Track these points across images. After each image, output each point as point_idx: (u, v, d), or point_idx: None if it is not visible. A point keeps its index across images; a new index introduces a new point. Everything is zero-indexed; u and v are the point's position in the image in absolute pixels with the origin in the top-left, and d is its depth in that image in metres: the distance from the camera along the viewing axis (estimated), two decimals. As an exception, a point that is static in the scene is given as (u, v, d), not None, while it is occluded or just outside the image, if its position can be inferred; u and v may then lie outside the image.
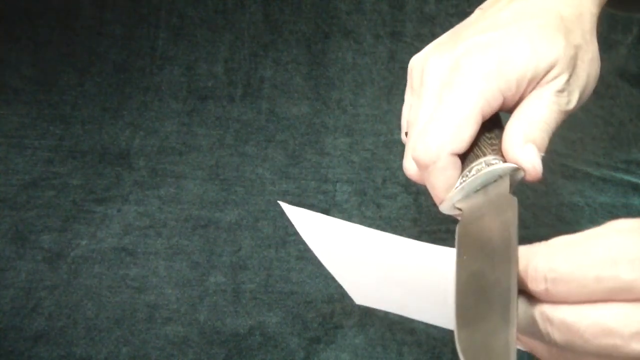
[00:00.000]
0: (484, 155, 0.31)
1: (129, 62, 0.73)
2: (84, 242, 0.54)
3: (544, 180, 0.61)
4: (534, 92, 0.31)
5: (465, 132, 0.30)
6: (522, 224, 0.56)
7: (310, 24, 0.75)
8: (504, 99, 0.31)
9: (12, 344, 0.46)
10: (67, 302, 0.50)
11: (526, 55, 0.31)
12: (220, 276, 0.52)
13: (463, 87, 0.30)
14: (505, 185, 0.30)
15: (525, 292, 0.24)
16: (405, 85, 0.38)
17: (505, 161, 0.30)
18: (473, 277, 0.26)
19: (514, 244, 0.25)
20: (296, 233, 0.55)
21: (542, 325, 0.23)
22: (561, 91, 0.32)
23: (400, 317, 0.49)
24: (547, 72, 0.31)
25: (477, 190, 0.31)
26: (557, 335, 0.23)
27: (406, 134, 0.36)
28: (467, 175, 0.31)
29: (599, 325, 0.22)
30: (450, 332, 0.48)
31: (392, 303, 0.42)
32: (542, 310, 0.23)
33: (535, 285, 0.23)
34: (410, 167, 0.34)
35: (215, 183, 0.61)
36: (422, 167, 0.31)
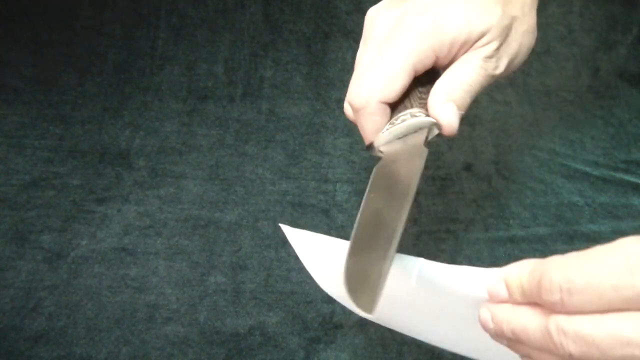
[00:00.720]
0: (412, 107, 0.34)
1: (129, 62, 0.73)
2: (84, 242, 0.54)
3: (544, 180, 0.61)
4: (465, 55, 0.34)
5: (395, 84, 0.33)
6: (521, 224, 0.57)
7: (310, 24, 0.75)
8: (437, 58, 0.34)
9: (12, 344, 0.46)
10: (67, 302, 0.50)
11: (460, 20, 0.33)
12: (220, 276, 0.52)
13: (399, 43, 0.33)
14: (422, 136, 0.33)
15: (539, 306, 0.24)
16: None
17: (428, 115, 0.34)
18: (374, 213, 0.29)
19: (413, 187, 0.29)
20: (296, 233, 0.55)
21: (557, 337, 0.23)
22: (490, 57, 0.34)
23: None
24: (479, 38, 0.34)
25: (398, 138, 0.34)
26: (572, 348, 0.22)
27: None
28: (393, 123, 0.34)
29: (616, 335, 0.21)
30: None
31: (399, 325, 0.41)
32: (557, 322, 0.23)
33: (550, 297, 0.23)
34: (347, 108, 0.37)
35: (215, 183, 0.61)
36: (354, 110, 0.35)
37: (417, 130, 0.34)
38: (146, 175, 0.61)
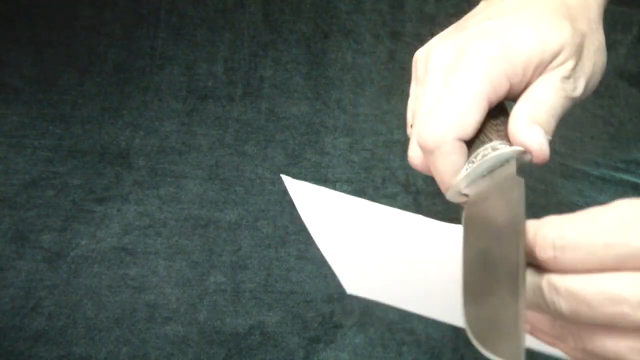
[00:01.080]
0: (491, 141, 0.31)
1: (129, 62, 0.73)
2: (84, 242, 0.54)
3: (544, 180, 0.61)
4: (541, 78, 0.31)
5: (471, 117, 0.30)
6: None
7: (310, 24, 0.75)
8: (511, 85, 0.31)
9: (12, 344, 0.46)
10: (67, 302, 0.50)
11: (532, 40, 0.30)
12: (220, 276, 0.52)
13: (469, 71, 0.30)
14: (512, 168, 0.30)
15: (532, 264, 0.24)
16: (405, 84, 0.38)
17: (511, 146, 0.30)
18: (480, 254, 0.26)
19: (522, 220, 0.25)
20: (296, 233, 0.56)
21: (549, 295, 0.23)
22: (568, 77, 0.31)
23: (400, 317, 0.49)
24: (554, 58, 0.31)
25: (484, 176, 0.30)
26: (563, 305, 0.22)
27: (412, 126, 0.35)
28: (473, 161, 0.30)
29: (607, 292, 0.21)
30: (450, 332, 0.48)
31: (387, 293, 0.40)
32: (550, 280, 0.23)
33: (544, 253, 0.23)
34: (415, 156, 0.33)
35: (215, 183, 0.61)
36: (427, 152, 0.31)
37: (503, 164, 0.30)
38: (146, 175, 0.61)
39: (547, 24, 0.31)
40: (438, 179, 0.32)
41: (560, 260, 0.22)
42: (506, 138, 0.31)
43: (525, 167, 0.32)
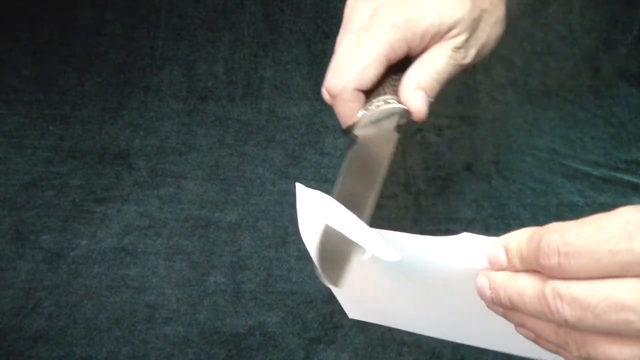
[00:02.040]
0: (385, 94, 0.36)
1: (129, 62, 0.73)
2: (84, 242, 0.54)
3: (544, 180, 0.61)
4: (435, 46, 0.37)
5: (369, 72, 0.35)
6: (521, 224, 0.56)
7: (310, 24, 0.75)
8: (409, 48, 0.36)
9: (12, 344, 0.46)
10: (67, 302, 0.50)
11: (432, 14, 0.36)
12: (220, 276, 0.52)
13: (374, 34, 0.35)
14: (394, 122, 0.36)
15: (535, 271, 0.24)
16: None
17: (399, 102, 0.36)
18: (347, 194, 0.32)
19: (383, 170, 0.32)
20: (296, 233, 0.55)
21: (552, 301, 0.23)
22: (459, 48, 0.37)
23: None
24: (449, 30, 0.36)
25: (373, 122, 0.36)
26: (567, 312, 0.22)
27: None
28: (367, 109, 0.36)
29: (612, 299, 0.21)
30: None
31: (391, 315, 0.41)
32: (553, 286, 0.23)
33: (548, 260, 0.23)
34: (324, 94, 0.39)
35: (215, 183, 0.61)
36: (332, 97, 0.37)
37: (389, 116, 0.36)
38: (146, 175, 0.61)
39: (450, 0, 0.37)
40: (339, 119, 0.38)
41: (564, 267, 0.22)
42: (398, 94, 0.37)
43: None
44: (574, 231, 0.22)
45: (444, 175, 0.61)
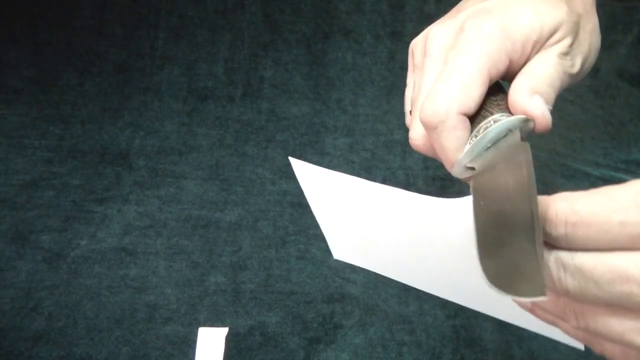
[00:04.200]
0: (492, 114, 0.31)
1: (129, 62, 0.73)
2: (84, 242, 0.54)
3: (544, 180, 0.61)
4: (539, 54, 0.32)
5: (473, 91, 0.30)
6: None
7: (310, 24, 0.75)
8: (510, 61, 0.31)
9: (12, 344, 0.46)
10: (67, 302, 0.50)
11: (530, 17, 0.31)
12: (220, 276, 0.52)
13: (469, 47, 0.30)
14: (516, 137, 0.30)
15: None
16: (406, 84, 0.38)
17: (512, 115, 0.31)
18: (492, 216, 0.26)
19: (532, 177, 0.26)
20: (296, 233, 0.56)
21: (555, 271, 0.22)
22: (565, 54, 0.32)
23: (400, 317, 0.49)
24: (552, 34, 0.32)
25: (487, 148, 0.31)
26: (569, 282, 0.22)
27: (410, 112, 0.36)
28: (476, 135, 0.31)
29: (617, 271, 0.21)
30: (450, 332, 0.48)
31: (375, 260, 0.40)
32: (558, 256, 0.22)
33: (555, 229, 0.22)
34: (417, 137, 0.34)
35: (215, 183, 0.61)
36: (431, 129, 0.31)
37: (505, 134, 0.30)
38: (146, 175, 0.61)
39: (544, 2, 0.32)
40: (442, 155, 0.32)
41: (571, 237, 0.22)
42: (507, 111, 0.31)
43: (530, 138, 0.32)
44: (583, 200, 0.22)
45: (444, 175, 0.61)
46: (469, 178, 0.31)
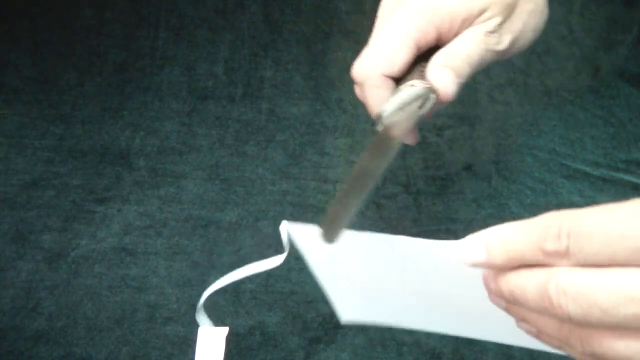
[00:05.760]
0: (412, 79, 0.35)
1: (129, 62, 0.73)
2: (84, 242, 0.54)
3: (544, 180, 0.61)
4: (467, 30, 0.35)
5: (396, 56, 0.34)
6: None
7: (310, 24, 0.75)
8: (439, 34, 0.35)
9: (12, 344, 0.46)
10: (67, 302, 0.50)
11: None
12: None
13: (400, 18, 0.34)
14: (418, 103, 0.34)
15: (538, 265, 0.23)
16: None
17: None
18: (361, 168, 0.31)
19: (392, 152, 0.32)
20: (296, 233, 0.55)
21: (556, 297, 0.22)
22: (492, 32, 0.35)
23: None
24: (481, 13, 0.35)
25: (401, 109, 0.35)
26: (571, 308, 0.21)
27: None
28: (394, 95, 0.35)
29: (621, 292, 0.20)
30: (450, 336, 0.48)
31: (386, 312, 0.41)
32: (558, 282, 0.22)
33: (556, 243, 0.22)
34: (356, 87, 0.38)
35: (215, 183, 0.61)
36: (358, 83, 0.36)
37: (416, 99, 0.34)
38: (146, 175, 0.61)
39: None
40: (367, 108, 0.37)
41: (572, 251, 0.21)
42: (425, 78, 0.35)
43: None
44: (586, 214, 0.22)
45: (444, 175, 0.61)
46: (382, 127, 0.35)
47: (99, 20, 0.75)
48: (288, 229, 0.34)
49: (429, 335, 0.48)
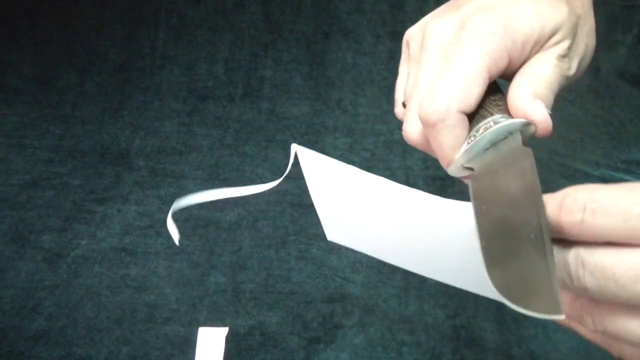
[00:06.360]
0: (491, 115, 0.30)
1: (129, 62, 0.73)
2: (84, 242, 0.54)
3: (544, 180, 0.60)
4: (538, 55, 0.32)
5: (474, 90, 0.30)
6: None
7: (310, 24, 0.75)
8: (510, 59, 0.31)
9: (12, 344, 0.46)
10: (67, 302, 0.50)
11: (531, 17, 0.31)
12: (220, 276, 0.52)
13: (471, 45, 0.30)
14: (517, 140, 0.29)
15: (555, 239, 0.23)
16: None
17: (512, 119, 0.30)
18: (496, 222, 0.26)
19: (537, 184, 0.25)
20: (296, 233, 0.56)
21: (574, 268, 0.22)
22: (563, 56, 0.32)
23: (400, 317, 0.49)
24: (551, 36, 0.31)
25: (486, 149, 0.30)
26: (589, 280, 0.21)
27: (403, 104, 0.36)
28: (475, 135, 0.30)
29: (639, 269, 0.20)
30: (450, 332, 0.48)
31: (368, 244, 0.40)
32: (577, 252, 0.22)
33: (571, 216, 0.22)
34: (412, 131, 0.33)
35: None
36: (429, 126, 0.30)
37: (505, 136, 0.30)
38: (146, 175, 0.61)
39: (546, 2, 0.32)
40: (439, 153, 0.31)
41: (587, 225, 0.21)
42: (506, 112, 0.31)
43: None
44: (603, 190, 0.21)
45: (444, 175, 0.61)
46: (467, 177, 0.31)
47: (99, 20, 0.75)
48: (297, 150, 0.33)
49: (429, 335, 0.48)
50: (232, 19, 0.75)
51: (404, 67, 0.36)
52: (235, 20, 0.75)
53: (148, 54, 0.73)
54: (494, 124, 0.30)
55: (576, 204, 0.21)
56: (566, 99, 0.70)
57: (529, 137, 0.30)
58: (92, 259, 0.53)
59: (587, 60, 0.35)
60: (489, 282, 0.24)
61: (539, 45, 0.31)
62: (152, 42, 0.74)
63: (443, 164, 0.32)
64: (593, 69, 0.72)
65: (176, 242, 0.40)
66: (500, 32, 0.30)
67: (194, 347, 0.46)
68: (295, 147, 0.32)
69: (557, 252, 0.23)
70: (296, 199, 0.59)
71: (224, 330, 0.45)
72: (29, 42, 0.74)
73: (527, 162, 0.27)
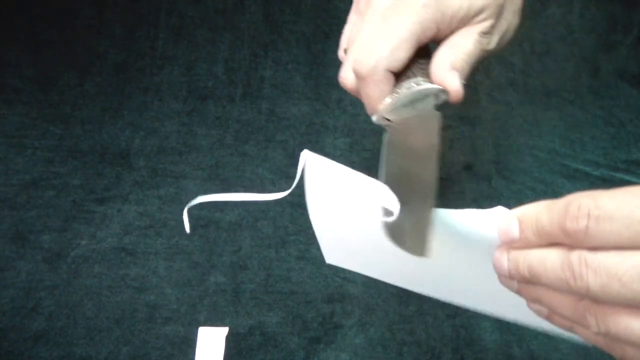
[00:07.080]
0: (415, 76, 0.35)
1: (129, 62, 0.73)
2: (84, 242, 0.54)
3: (544, 180, 0.61)
4: (463, 29, 0.36)
5: (401, 52, 0.34)
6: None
7: (310, 24, 0.75)
8: (438, 30, 0.35)
9: (12, 344, 0.46)
10: (67, 302, 0.50)
11: None
12: (220, 276, 0.52)
13: (406, 13, 0.34)
14: (430, 102, 0.35)
15: (560, 243, 0.23)
16: None
17: (432, 83, 0.35)
18: (399, 170, 0.32)
19: (437, 146, 0.31)
20: (296, 233, 0.56)
21: (578, 268, 0.22)
22: (485, 33, 0.36)
23: (400, 317, 0.49)
24: (477, 15, 0.36)
25: (405, 106, 0.35)
26: (591, 280, 0.22)
27: (345, 50, 0.41)
28: (397, 92, 0.35)
29: None
30: (450, 331, 0.48)
31: (369, 266, 0.41)
32: (581, 253, 0.22)
33: (575, 223, 0.22)
34: (347, 78, 0.39)
35: (215, 183, 0.61)
36: (360, 78, 0.36)
37: (424, 97, 0.35)
38: (146, 175, 0.61)
39: None
40: (366, 101, 0.36)
41: (591, 231, 0.22)
42: (428, 76, 0.36)
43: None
44: (606, 196, 0.22)
45: (444, 175, 0.61)
46: (387, 125, 0.36)
47: (99, 20, 0.75)
48: (307, 158, 0.35)
49: (429, 335, 0.48)
50: (232, 19, 0.75)
51: (352, 18, 0.41)
52: (235, 20, 0.75)
53: (148, 54, 0.73)
54: (415, 85, 0.35)
55: (581, 210, 0.22)
56: (566, 99, 0.70)
57: (442, 102, 0.35)
58: (92, 259, 0.53)
59: (509, 36, 0.39)
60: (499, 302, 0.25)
61: (465, 20, 0.36)
62: (152, 42, 0.74)
63: (368, 111, 0.37)
64: (593, 69, 0.72)
65: (187, 230, 0.43)
66: (432, 6, 0.34)
67: (194, 347, 0.46)
68: (305, 154, 0.34)
69: (560, 254, 0.23)
70: (296, 199, 0.59)
71: (224, 330, 0.45)
72: (29, 42, 0.74)
73: (435, 124, 0.34)
